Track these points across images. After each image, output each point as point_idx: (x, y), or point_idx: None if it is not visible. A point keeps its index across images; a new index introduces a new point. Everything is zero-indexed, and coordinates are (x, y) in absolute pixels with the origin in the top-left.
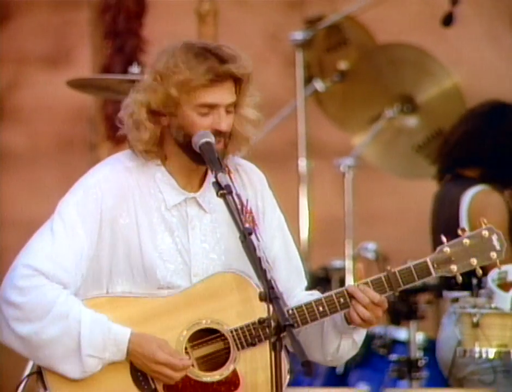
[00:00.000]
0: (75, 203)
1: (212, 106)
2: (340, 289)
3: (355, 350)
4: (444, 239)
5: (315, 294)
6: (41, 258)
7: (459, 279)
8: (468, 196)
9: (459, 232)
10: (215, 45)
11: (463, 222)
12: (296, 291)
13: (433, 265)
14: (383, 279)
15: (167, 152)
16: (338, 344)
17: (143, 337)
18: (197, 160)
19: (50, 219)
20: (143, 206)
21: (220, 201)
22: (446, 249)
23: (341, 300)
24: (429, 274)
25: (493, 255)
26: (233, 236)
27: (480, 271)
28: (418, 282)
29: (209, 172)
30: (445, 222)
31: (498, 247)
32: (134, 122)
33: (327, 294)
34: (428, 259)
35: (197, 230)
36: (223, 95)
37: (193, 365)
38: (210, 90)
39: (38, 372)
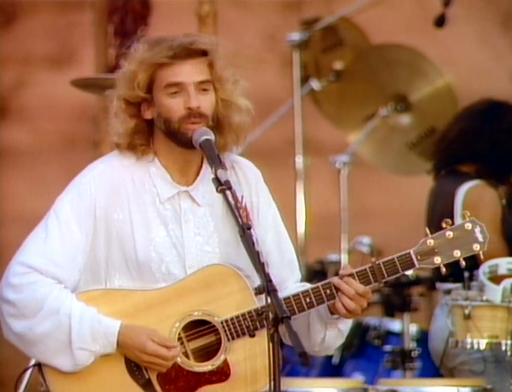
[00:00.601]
0: (70, 201)
1: (179, 85)
2: (326, 281)
3: (342, 339)
4: (427, 231)
5: (306, 286)
6: (34, 256)
7: (443, 270)
8: (463, 190)
9: (443, 224)
10: (175, 34)
11: (458, 215)
12: (287, 283)
13: (416, 257)
14: (368, 270)
15: (158, 147)
16: (324, 335)
17: (132, 328)
18: (185, 145)
19: (45, 218)
20: (138, 201)
21: (215, 195)
22: (430, 241)
23: (328, 291)
24: (413, 265)
25: (476, 246)
26: (227, 229)
27: (463, 263)
28: (402, 273)
29: (204, 166)
30: (440, 216)
31: (480, 239)
32: (114, 117)
33: (313, 285)
34: (411, 251)
35: (191, 223)
36: (186, 72)
37: (188, 357)
38: (172, 69)
39: (39, 364)
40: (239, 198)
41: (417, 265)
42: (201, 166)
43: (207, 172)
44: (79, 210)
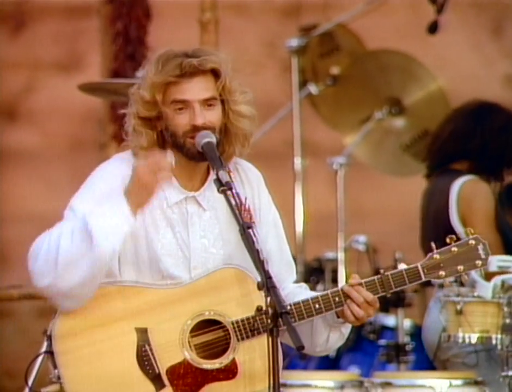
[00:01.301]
0: (85, 199)
1: (185, 102)
2: (335, 289)
3: (342, 341)
4: (433, 246)
5: (303, 286)
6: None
7: (447, 282)
8: (457, 185)
9: (448, 240)
10: (187, 49)
11: (453, 209)
12: (286, 283)
13: (423, 271)
14: (376, 281)
15: None
16: (327, 336)
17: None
18: (192, 157)
19: (64, 217)
20: None
21: (220, 199)
22: (436, 256)
23: (336, 299)
24: (419, 278)
25: (478, 263)
26: (232, 231)
27: (465, 278)
28: (409, 285)
29: (210, 173)
30: (435, 213)
31: (483, 256)
32: (133, 132)
33: (323, 293)
34: (419, 265)
35: (197, 226)
36: (192, 90)
37: (192, 349)
38: (179, 87)
39: (50, 352)
40: (243, 200)
41: (423, 279)
42: (208, 173)
43: (212, 178)
44: (93, 205)
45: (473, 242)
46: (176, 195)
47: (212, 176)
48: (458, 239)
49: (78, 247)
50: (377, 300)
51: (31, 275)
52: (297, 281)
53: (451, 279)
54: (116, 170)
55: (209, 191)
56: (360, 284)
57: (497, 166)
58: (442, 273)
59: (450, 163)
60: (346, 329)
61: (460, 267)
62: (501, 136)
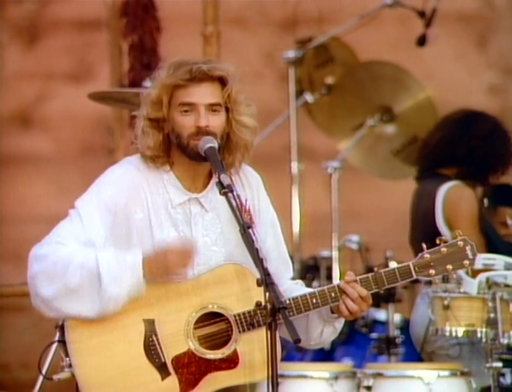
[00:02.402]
0: (92, 200)
1: (191, 105)
2: (332, 284)
3: (335, 335)
4: (424, 246)
5: (299, 283)
6: (57, 236)
7: (436, 281)
8: (443, 190)
9: (438, 241)
10: (197, 58)
11: (439, 213)
12: (283, 280)
13: (414, 269)
14: (370, 278)
15: (173, 158)
16: (321, 330)
17: (152, 252)
18: (194, 158)
19: (68, 215)
20: (153, 203)
21: (221, 201)
22: (426, 256)
23: (332, 294)
24: (411, 276)
25: (466, 262)
26: (233, 231)
27: (454, 276)
28: (401, 283)
29: (213, 175)
30: (423, 215)
31: (470, 256)
32: (141, 133)
33: (320, 288)
34: (411, 264)
35: (200, 226)
36: (199, 94)
37: (196, 340)
38: (187, 90)
39: (62, 341)
40: (244, 201)
41: (414, 277)
42: (210, 176)
43: (214, 181)
44: (100, 207)
45: (461, 243)
46: (180, 197)
47: (214, 179)
48: (447, 240)
49: (85, 286)
50: (370, 296)
51: (31, 279)
52: (293, 278)
53: (439, 276)
54: (124, 174)
55: (212, 193)
56: (355, 281)
57: (482, 172)
58: (432, 271)
59: (438, 168)
60: (339, 324)
61: (449, 266)
62: (487, 144)
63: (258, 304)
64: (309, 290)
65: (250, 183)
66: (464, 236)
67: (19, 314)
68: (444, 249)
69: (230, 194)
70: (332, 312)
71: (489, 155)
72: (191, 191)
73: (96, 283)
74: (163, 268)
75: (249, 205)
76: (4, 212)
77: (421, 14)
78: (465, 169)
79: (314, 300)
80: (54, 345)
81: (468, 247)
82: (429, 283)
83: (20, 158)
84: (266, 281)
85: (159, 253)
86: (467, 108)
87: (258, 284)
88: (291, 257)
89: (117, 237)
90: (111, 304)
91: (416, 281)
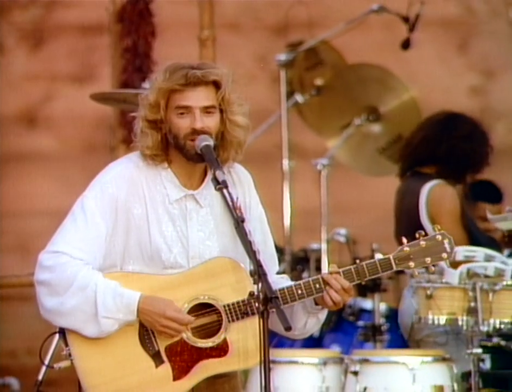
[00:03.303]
0: (94, 198)
1: (187, 108)
2: (316, 276)
3: (318, 326)
4: (404, 240)
5: (285, 277)
6: (63, 243)
7: (416, 273)
8: (426, 189)
9: (417, 235)
10: (192, 62)
11: (423, 210)
12: (269, 274)
13: (394, 261)
14: (353, 270)
15: (171, 156)
16: (305, 321)
17: (152, 297)
18: (191, 158)
19: (71, 213)
20: (151, 199)
21: (216, 197)
22: (406, 249)
23: (317, 285)
24: (391, 268)
25: (444, 255)
26: (225, 226)
27: (432, 269)
28: (381, 274)
29: (208, 173)
30: (407, 211)
31: (448, 249)
32: (140, 133)
33: (305, 280)
34: (391, 256)
35: (195, 221)
36: (193, 97)
37: (188, 329)
38: (183, 94)
39: (62, 332)
40: (235, 199)
41: (395, 268)
42: (205, 174)
43: (209, 178)
44: (102, 205)
45: (439, 237)
46: (177, 193)
47: (209, 176)
48: (426, 234)
49: (83, 310)
50: (352, 287)
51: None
52: (284, 271)
53: (421, 269)
54: (123, 171)
55: (207, 190)
56: (338, 273)
57: (461, 170)
58: (412, 263)
59: (420, 166)
60: (323, 315)
61: (428, 259)
62: (466, 144)
63: (251, 294)
64: (295, 282)
65: (241, 181)
66: (443, 230)
67: (24, 304)
68: (423, 243)
69: (224, 190)
70: (316, 304)
71: (468, 155)
72: (187, 188)
73: (93, 309)
74: (157, 316)
75: (239, 202)
76: (10, 207)
77: (406, 19)
78: (445, 167)
79: (299, 291)
80: (56, 335)
81: (446, 241)
82: (412, 276)
83: (26, 155)
84: (259, 272)
85: (160, 303)
86: (448, 109)
87: (252, 275)
88: (282, 250)
89: (116, 231)
90: (105, 330)
91: (402, 271)
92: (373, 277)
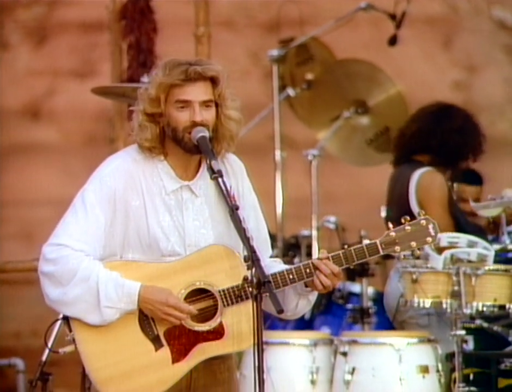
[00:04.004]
0: (94, 191)
1: (186, 102)
2: (306, 262)
3: (310, 306)
4: (390, 225)
5: (278, 260)
6: (66, 236)
7: (401, 256)
8: (417, 175)
9: (402, 220)
10: (189, 58)
11: (412, 195)
12: (263, 258)
13: (381, 246)
14: (341, 255)
15: (168, 149)
16: (296, 303)
17: (152, 287)
18: (189, 150)
19: (72, 205)
20: (148, 191)
21: (210, 187)
22: (392, 234)
23: (307, 270)
24: (378, 252)
25: (429, 239)
26: (219, 214)
27: (418, 252)
28: (368, 259)
29: (202, 164)
30: (398, 196)
31: (433, 233)
32: (139, 127)
33: (295, 265)
34: (378, 241)
35: (190, 211)
36: (193, 92)
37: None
38: (183, 89)
39: (66, 318)
40: (229, 188)
41: (381, 253)
42: (199, 165)
43: (204, 169)
44: (102, 198)
45: (424, 221)
46: (173, 184)
47: (204, 167)
48: (412, 219)
49: (86, 300)
50: (341, 271)
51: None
52: (276, 255)
53: (408, 253)
54: (121, 164)
55: (201, 180)
56: (328, 258)
57: (453, 159)
58: (398, 247)
59: (413, 155)
60: (313, 297)
61: (413, 243)
62: (458, 136)
63: (245, 278)
64: (286, 267)
65: (234, 171)
66: (427, 215)
67: (30, 287)
68: (408, 228)
69: (219, 179)
70: (306, 286)
71: (460, 145)
72: (183, 179)
73: (95, 299)
74: (159, 304)
75: (233, 191)
76: (15, 196)
77: (392, 17)
78: (438, 156)
79: (291, 276)
80: (59, 321)
81: (430, 226)
82: (398, 259)
83: (30, 147)
84: (252, 258)
85: (161, 292)
86: (442, 101)
87: (246, 260)
88: (275, 236)
89: (115, 222)
90: (107, 319)
91: (388, 257)
92: (361, 261)
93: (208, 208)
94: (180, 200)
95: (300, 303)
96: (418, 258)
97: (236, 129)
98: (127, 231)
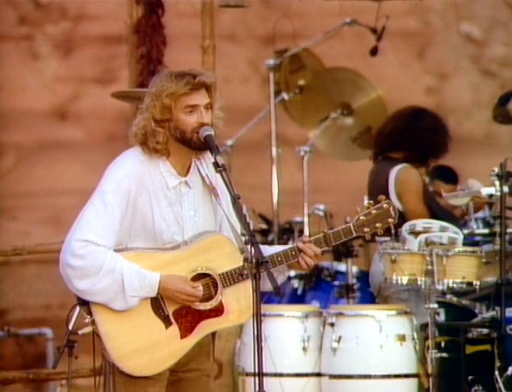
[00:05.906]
0: (112, 192)
1: (194, 107)
2: (291, 245)
3: (284, 279)
4: (358, 209)
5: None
6: (89, 232)
7: (368, 237)
8: (395, 171)
9: (366, 205)
10: (189, 69)
11: (392, 189)
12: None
13: (354, 229)
14: (321, 238)
15: (170, 149)
16: (276, 277)
17: (172, 276)
18: (197, 148)
19: (93, 203)
20: (153, 188)
21: (198, 181)
22: (362, 217)
23: (293, 253)
24: (351, 234)
25: (391, 220)
26: (206, 204)
27: (381, 232)
28: (344, 240)
29: (192, 160)
30: (378, 190)
31: (393, 214)
32: (148, 132)
33: (283, 249)
34: (351, 225)
35: (186, 202)
36: (198, 97)
37: None
38: (190, 96)
39: (86, 303)
40: (213, 180)
41: (354, 234)
42: (191, 161)
43: (195, 165)
44: (119, 198)
45: (386, 205)
46: (174, 180)
47: (194, 163)
48: (375, 203)
49: (113, 289)
50: (320, 252)
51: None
52: (273, 239)
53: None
54: (132, 167)
55: (193, 176)
56: (310, 241)
57: (425, 157)
58: (367, 229)
59: (389, 152)
60: (288, 273)
61: (378, 224)
62: (429, 135)
63: (246, 259)
64: (274, 250)
65: (208, 165)
66: (388, 199)
67: (58, 266)
68: (374, 211)
69: (223, 172)
70: (287, 266)
71: (431, 144)
72: (181, 175)
73: (121, 289)
74: (178, 293)
75: (213, 181)
76: (45, 186)
77: (374, 31)
78: (411, 153)
79: (279, 258)
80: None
81: (391, 208)
82: (384, 242)
83: (58, 144)
84: (252, 240)
85: (179, 281)
86: (415, 105)
87: (246, 243)
88: (271, 222)
89: (125, 216)
90: (131, 306)
91: (369, 241)
92: (338, 242)
93: (198, 199)
94: (179, 194)
95: (279, 278)
96: (381, 235)
97: (221, 126)
98: (134, 224)
